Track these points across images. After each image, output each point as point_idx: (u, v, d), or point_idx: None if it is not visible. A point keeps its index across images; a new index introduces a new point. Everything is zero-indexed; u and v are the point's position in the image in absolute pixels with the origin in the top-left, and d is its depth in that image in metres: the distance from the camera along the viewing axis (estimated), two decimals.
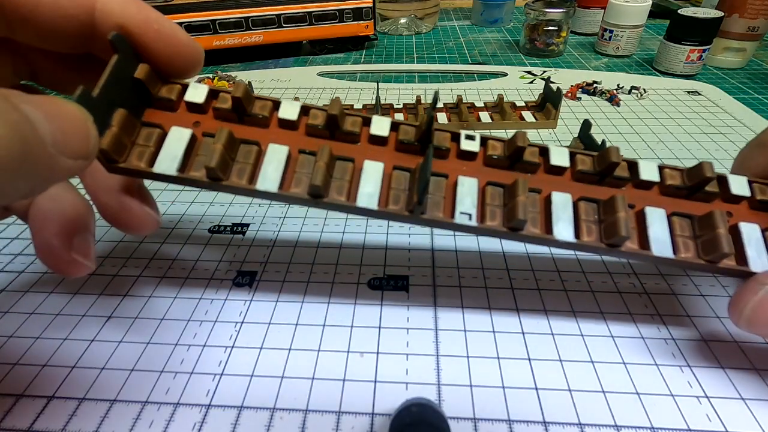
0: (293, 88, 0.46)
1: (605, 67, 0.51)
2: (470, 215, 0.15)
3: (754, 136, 0.19)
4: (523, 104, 0.39)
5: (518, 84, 0.46)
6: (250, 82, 0.39)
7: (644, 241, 0.16)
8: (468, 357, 0.19)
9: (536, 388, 0.18)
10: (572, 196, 0.16)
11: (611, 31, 0.52)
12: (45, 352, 0.19)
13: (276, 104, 0.16)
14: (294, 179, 0.16)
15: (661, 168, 0.17)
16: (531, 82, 0.46)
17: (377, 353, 0.19)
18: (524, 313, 0.21)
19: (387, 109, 0.39)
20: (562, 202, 0.16)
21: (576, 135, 0.32)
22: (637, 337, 0.20)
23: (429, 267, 0.23)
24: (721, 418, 0.17)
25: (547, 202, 0.16)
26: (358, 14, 0.54)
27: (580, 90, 0.43)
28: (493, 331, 0.20)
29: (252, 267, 0.24)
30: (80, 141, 0.12)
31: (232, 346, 0.20)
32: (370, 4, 0.53)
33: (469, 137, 0.17)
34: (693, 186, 0.17)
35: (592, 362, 0.19)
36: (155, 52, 0.15)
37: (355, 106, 0.40)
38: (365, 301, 0.22)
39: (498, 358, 0.19)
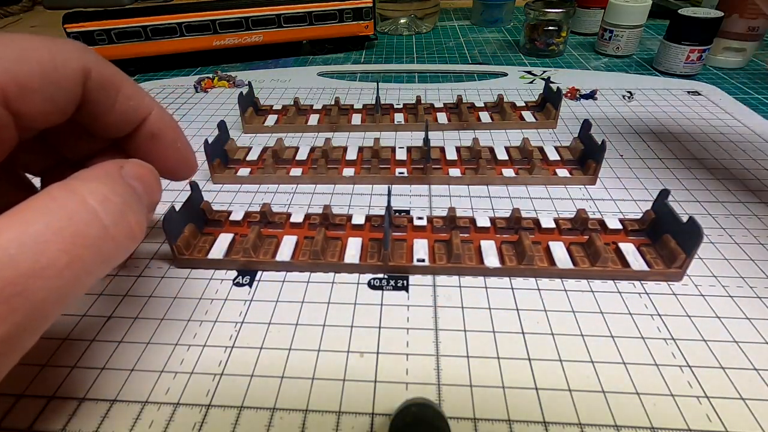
0: (293, 88, 0.46)
1: (605, 67, 0.51)
2: (424, 260, 0.23)
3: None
4: (523, 104, 0.39)
5: (518, 84, 0.46)
6: (250, 82, 0.39)
7: (551, 261, 0.23)
8: (468, 357, 0.19)
9: (536, 388, 0.18)
10: (495, 242, 0.24)
11: (611, 31, 0.52)
12: (45, 352, 0.19)
13: (288, 215, 0.26)
14: (301, 252, 0.24)
15: (556, 219, 0.25)
16: (531, 82, 0.46)
17: (377, 353, 0.19)
18: (524, 313, 0.21)
19: (387, 109, 0.39)
20: (488, 246, 0.24)
21: (576, 135, 0.32)
22: (637, 337, 0.20)
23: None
24: (721, 418, 0.17)
25: (478, 248, 0.24)
26: (358, 14, 0.54)
27: (579, 96, 0.43)
28: (493, 331, 0.20)
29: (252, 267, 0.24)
30: (158, 192, 0.16)
31: (232, 346, 0.20)
32: (370, 4, 0.53)
33: (420, 218, 0.25)
34: (580, 227, 0.24)
35: (592, 362, 0.19)
36: (167, 159, 0.18)
37: (355, 106, 0.40)
38: (365, 301, 0.22)
39: (498, 358, 0.19)
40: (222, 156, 0.31)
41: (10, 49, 0.13)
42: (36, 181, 0.19)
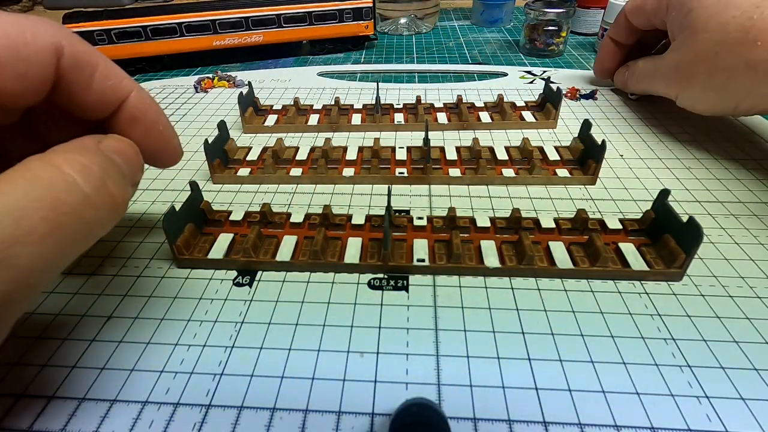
0: (293, 88, 0.46)
1: None
2: (424, 260, 0.23)
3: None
4: (523, 104, 0.39)
5: (518, 84, 0.46)
6: (250, 82, 0.39)
7: (551, 261, 0.23)
8: (468, 357, 0.19)
9: (536, 388, 0.18)
10: (495, 242, 0.24)
11: None
12: (45, 351, 0.19)
13: (288, 215, 0.26)
14: (301, 252, 0.24)
15: (556, 219, 0.25)
16: (531, 82, 0.46)
17: (377, 353, 0.19)
18: (524, 313, 0.21)
19: (387, 110, 0.39)
20: (488, 246, 0.23)
21: (576, 135, 0.32)
22: (637, 337, 0.20)
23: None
24: (721, 418, 0.17)
25: (478, 248, 0.24)
26: (358, 14, 0.54)
27: (579, 96, 0.43)
28: (493, 331, 0.20)
29: (252, 267, 0.24)
30: (140, 167, 0.17)
31: (232, 346, 0.20)
32: (370, 4, 0.53)
33: (419, 218, 0.25)
34: (580, 227, 0.24)
35: (592, 362, 0.19)
36: (150, 143, 0.18)
37: (355, 106, 0.40)
38: (365, 301, 0.22)
39: (498, 358, 0.19)
40: (222, 156, 0.31)
41: None
42: None
